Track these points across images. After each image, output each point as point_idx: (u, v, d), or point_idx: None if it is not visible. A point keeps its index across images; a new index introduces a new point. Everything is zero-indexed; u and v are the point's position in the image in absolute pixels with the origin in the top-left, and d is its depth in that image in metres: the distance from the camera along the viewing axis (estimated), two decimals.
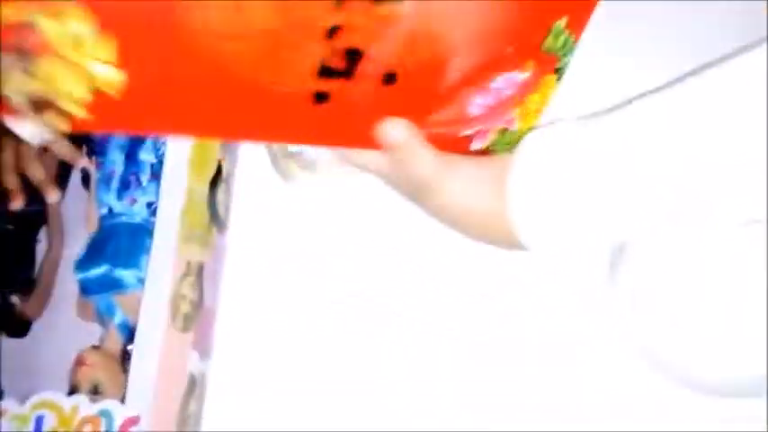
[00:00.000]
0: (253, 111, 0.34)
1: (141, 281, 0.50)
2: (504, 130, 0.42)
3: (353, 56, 0.33)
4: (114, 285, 0.52)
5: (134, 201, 0.54)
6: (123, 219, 0.54)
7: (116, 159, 0.55)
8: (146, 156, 0.55)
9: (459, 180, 0.40)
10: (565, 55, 0.41)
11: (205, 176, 0.52)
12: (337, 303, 0.53)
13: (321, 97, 0.35)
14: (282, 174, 0.57)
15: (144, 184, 0.54)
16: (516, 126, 0.42)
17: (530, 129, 0.42)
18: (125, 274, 0.52)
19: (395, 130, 0.38)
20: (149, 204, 0.54)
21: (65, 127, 0.29)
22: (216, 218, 0.53)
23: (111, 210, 0.55)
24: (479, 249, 0.49)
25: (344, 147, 0.40)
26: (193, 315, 0.49)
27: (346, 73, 0.34)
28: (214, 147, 0.53)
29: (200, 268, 0.50)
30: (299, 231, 0.56)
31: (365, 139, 0.38)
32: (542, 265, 0.50)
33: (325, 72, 0.34)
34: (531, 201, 0.39)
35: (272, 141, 0.41)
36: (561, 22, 0.39)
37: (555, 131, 0.39)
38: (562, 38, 0.40)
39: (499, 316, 0.52)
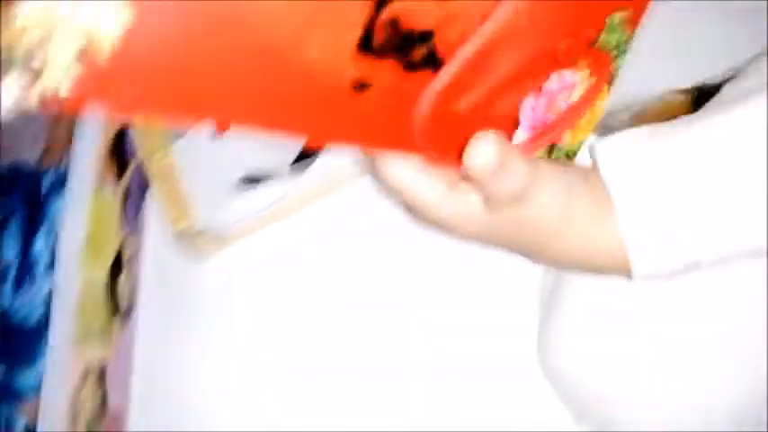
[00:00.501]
0: (284, 93, 0.28)
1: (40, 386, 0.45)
2: (551, 147, 0.37)
3: (398, 33, 0.28)
4: (12, 394, 0.48)
5: (31, 296, 0.50)
6: (19, 318, 0.50)
7: (10, 253, 0.51)
8: (40, 246, 0.51)
9: (550, 191, 0.33)
10: (618, 56, 0.36)
11: (103, 263, 0.48)
12: (251, 394, 0.50)
13: (361, 86, 0.29)
14: (192, 253, 0.53)
15: (39, 277, 0.50)
16: (564, 140, 0.37)
17: (580, 143, 0.37)
18: (23, 381, 0.48)
19: (485, 148, 0.30)
20: (47, 299, 0.50)
21: (42, 101, 0.23)
22: (117, 308, 0.49)
23: (6, 308, 0.50)
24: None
25: (384, 148, 0.32)
26: (97, 420, 0.45)
27: (393, 51, 0.29)
28: (112, 229, 0.49)
29: (102, 368, 0.46)
30: (213, 313, 0.52)
31: (408, 141, 0.32)
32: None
33: (366, 46, 0.28)
34: (646, 223, 0.33)
35: (305, 135, 0.34)
36: (616, 17, 0.35)
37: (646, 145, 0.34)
38: (616, 35, 0.36)
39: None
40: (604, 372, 0.42)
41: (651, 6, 0.37)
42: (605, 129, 0.37)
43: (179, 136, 0.53)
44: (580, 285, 0.42)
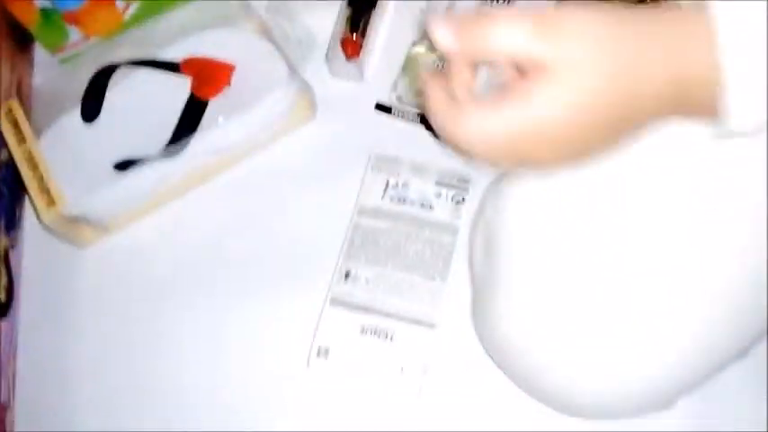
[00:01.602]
0: None
1: None
2: None
3: None
4: None
5: None
6: None
7: None
8: None
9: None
10: None
11: None
12: (135, 384, 0.49)
13: None
14: (74, 241, 0.52)
15: None
16: None
17: None
18: None
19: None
20: None
21: None
22: None
23: None
24: None
25: None
26: None
27: None
28: None
29: None
30: (94, 303, 0.51)
31: None
32: None
33: None
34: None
35: None
36: None
37: None
38: None
39: None
40: (551, 340, 0.38)
41: None
42: None
43: (47, 124, 0.52)
44: (517, 257, 0.40)
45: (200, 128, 0.51)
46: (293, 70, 0.52)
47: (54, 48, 0.59)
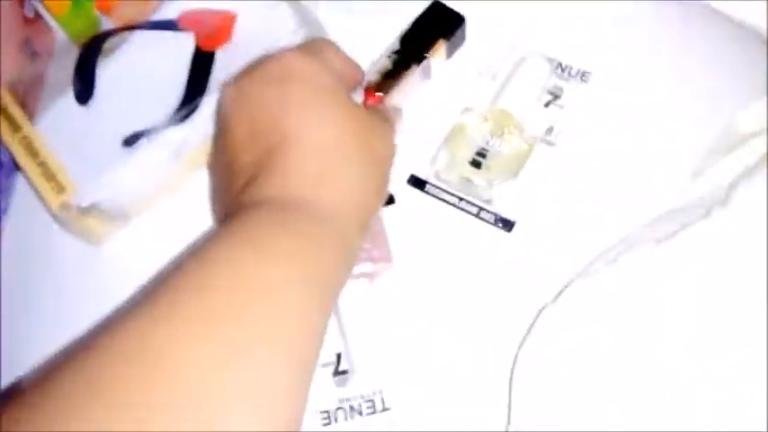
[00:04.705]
0: None
1: None
2: None
3: None
4: None
5: None
6: None
7: None
8: None
9: None
10: None
11: None
12: None
13: None
14: (84, 236, 0.46)
15: None
16: None
17: None
18: None
19: None
20: None
21: None
22: None
23: None
24: None
25: None
26: None
27: None
28: None
29: None
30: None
31: None
32: None
33: None
34: None
35: None
36: None
37: None
38: None
39: None
40: None
41: None
42: None
43: (44, 107, 0.46)
44: None
45: (209, 89, 0.45)
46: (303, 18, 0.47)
47: (80, 38, 0.53)
